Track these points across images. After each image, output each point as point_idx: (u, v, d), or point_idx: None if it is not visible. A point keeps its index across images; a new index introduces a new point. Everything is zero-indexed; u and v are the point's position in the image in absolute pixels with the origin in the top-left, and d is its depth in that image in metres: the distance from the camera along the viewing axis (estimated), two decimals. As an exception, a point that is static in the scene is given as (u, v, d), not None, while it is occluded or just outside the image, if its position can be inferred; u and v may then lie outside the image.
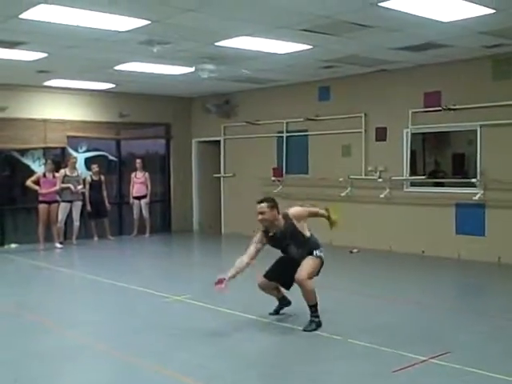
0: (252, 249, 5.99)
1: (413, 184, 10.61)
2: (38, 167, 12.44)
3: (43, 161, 12.45)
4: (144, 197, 13.28)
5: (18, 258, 10.70)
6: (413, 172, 10.59)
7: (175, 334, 5.78)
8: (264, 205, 5.85)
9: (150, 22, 7.15)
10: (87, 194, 12.49)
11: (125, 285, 8.07)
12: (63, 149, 12.93)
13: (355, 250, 10.71)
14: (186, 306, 6.94)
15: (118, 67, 10.16)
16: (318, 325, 5.82)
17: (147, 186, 13.26)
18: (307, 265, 5.89)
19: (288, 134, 12.51)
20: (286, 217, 5.91)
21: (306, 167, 12.16)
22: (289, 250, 6.03)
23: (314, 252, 5.98)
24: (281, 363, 4.97)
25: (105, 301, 7.38)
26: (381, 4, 6.48)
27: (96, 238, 12.73)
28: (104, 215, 12.85)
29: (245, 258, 5.95)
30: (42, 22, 7.00)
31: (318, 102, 11.91)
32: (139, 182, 13.31)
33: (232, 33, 7.82)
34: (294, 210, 6.03)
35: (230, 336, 5.76)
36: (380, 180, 10.79)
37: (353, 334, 5.56)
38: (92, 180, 12.64)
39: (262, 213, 5.84)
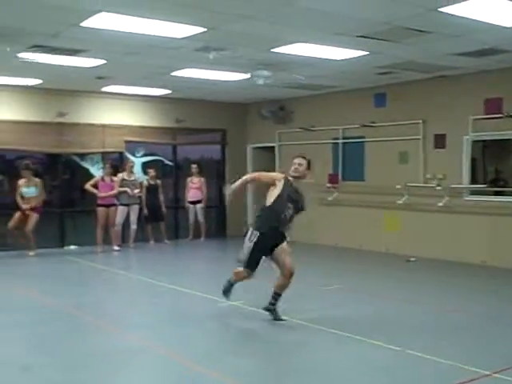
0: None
1: (473, 192, 10.32)
2: (97, 171, 12.71)
3: (102, 165, 12.71)
4: (199, 201, 13.39)
5: (77, 259, 10.94)
6: (473, 180, 10.31)
7: (232, 340, 5.80)
8: (305, 161, 6.51)
9: (206, 29, 7.20)
10: (144, 198, 12.67)
11: (180, 288, 8.14)
12: (121, 153, 13.17)
13: (412, 259, 10.50)
14: (240, 311, 6.94)
15: (174, 73, 10.28)
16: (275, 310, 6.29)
17: (203, 191, 13.36)
18: (289, 255, 6.40)
19: (344, 141, 12.39)
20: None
21: (362, 174, 12.02)
22: (286, 211, 6.27)
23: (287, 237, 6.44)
24: (335, 371, 4.90)
25: (160, 304, 7.45)
26: (441, 9, 6.33)
27: (152, 242, 12.90)
28: (160, 219, 13.01)
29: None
30: (102, 30, 7.15)
31: (374, 109, 11.75)
32: (195, 187, 13.43)
33: (288, 39, 7.80)
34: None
35: (279, 339, 5.72)
36: (439, 188, 10.54)
37: (410, 345, 5.43)
38: (149, 184, 12.82)
39: (300, 164, 6.44)
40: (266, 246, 6.26)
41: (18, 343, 5.66)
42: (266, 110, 13.66)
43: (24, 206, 10.92)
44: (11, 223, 10.91)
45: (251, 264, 6.30)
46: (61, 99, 12.21)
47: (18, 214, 10.94)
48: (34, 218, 11.05)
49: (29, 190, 11.05)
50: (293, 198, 6.29)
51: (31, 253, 11.13)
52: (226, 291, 6.57)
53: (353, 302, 7.44)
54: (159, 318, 6.67)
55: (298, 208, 6.36)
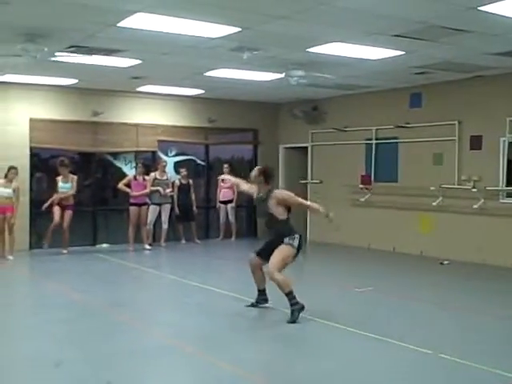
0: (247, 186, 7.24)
1: (509, 195, 10.13)
2: (130, 170, 12.80)
3: (134, 164, 12.80)
4: (230, 201, 13.40)
5: (109, 257, 11.04)
6: (509, 182, 10.12)
7: (261, 340, 5.79)
8: (256, 169, 6.96)
9: (241, 29, 7.19)
10: (175, 197, 12.73)
11: (210, 287, 8.16)
12: (154, 152, 13.25)
13: (446, 262, 10.35)
14: (269, 311, 6.92)
15: (208, 73, 10.30)
16: (300, 310, 6.29)
17: (234, 191, 13.35)
18: (275, 258, 6.39)
19: (377, 141, 12.28)
20: (271, 190, 6.71)
21: (395, 175, 11.89)
22: (264, 214, 6.68)
23: (285, 239, 6.44)
24: (366, 374, 4.83)
25: (191, 302, 7.47)
26: (480, 8, 6.22)
27: (183, 241, 12.95)
28: (192, 219, 13.05)
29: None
30: (138, 30, 7.19)
31: (409, 109, 11.62)
32: (226, 187, 13.43)
33: (323, 39, 7.75)
34: (278, 191, 6.95)
35: (310, 340, 5.68)
36: (474, 190, 10.37)
37: (443, 349, 5.35)
38: (180, 184, 12.87)
39: (253, 176, 6.87)
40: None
41: (50, 339, 5.73)
42: (298, 109, 13.61)
43: (55, 197, 11.06)
44: (56, 219, 11.06)
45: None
46: (96, 99, 12.34)
47: (57, 210, 11.09)
48: (68, 215, 11.18)
49: (65, 185, 11.19)
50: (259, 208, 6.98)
51: (64, 251, 11.27)
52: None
53: (384, 305, 7.37)
54: (189, 317, 6.70)
55: None
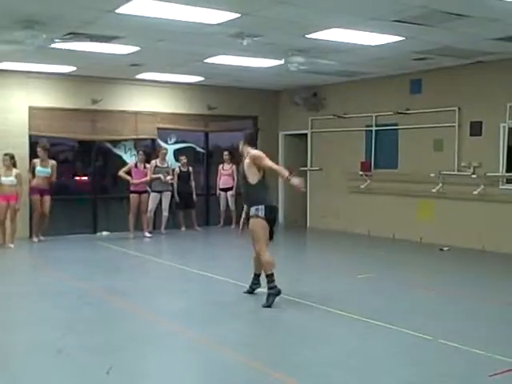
0: None
1: (509, 181, 10.12)
2: (130, 158, 12.79)
3: (134, 152, 12.78)
4: (230, 189, 13.39)
5: (110, 245, 11.05)
6: (509, 168, 10.11)
7: (262, 326, 5.81)
8: (240, 142, 6.74)
9: (240, 15, 7.15)
10: (175, 185, 12.73)
11: (211, 274, 8.18)
12: (153, 140, 13.23)
13: (446, 248, 10.37)
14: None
15: (207, 60, 10.26)
16: (276, 294, 6.25)
17: (234, 178, 13.34)
18: (251, 234, 6.38)
19: (377, 128, 12.26)
20: (247, 154, 6.49)
21: (395, 162, 11.87)
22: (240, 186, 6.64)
23: (252, 210, 6.30)
24: (367, 361, 4.85)
25: (191, 289, 7.49)
26: (481, -8, 6.19)
27: (184, 229, 12.97)
28: (192, 206, 13.06)
29: None
30: (137, 16, 7.15)
31: (409, 95, 11.59)
32: (226, 174, 13.43)
33: (323, 25, 7.71)
34: (254, 151, 6.54)
35: (312, 328, 5.70)
36: (474, 176, 10.37)
37: (443, 335, 5.37)
38: (180, 171, 12.87)
39: (237, 148, 6.79)
40: None
41: (52, 327, 5.74)
42: (298, 96, 13.57)
43: (35, 182, 11.08)
44: (37, 207, 11.09)
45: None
46: (94, 86, 12.30)
47: (36, 198, 11.14)
48: (47, 200, 11.18)
49: (44, 170, 11.17)
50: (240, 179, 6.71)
51: (42, 238, 11.28)
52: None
53: (384, 291, 7.38)
54: (190, 304, 6.72)
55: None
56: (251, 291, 6.89)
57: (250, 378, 4.48)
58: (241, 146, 6.70)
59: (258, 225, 6.29)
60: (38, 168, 11.14)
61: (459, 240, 10.57)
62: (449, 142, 10.89)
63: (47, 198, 11.22)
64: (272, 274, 6.27)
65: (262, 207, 6.26)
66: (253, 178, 6.37)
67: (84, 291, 7.28)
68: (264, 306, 6.27)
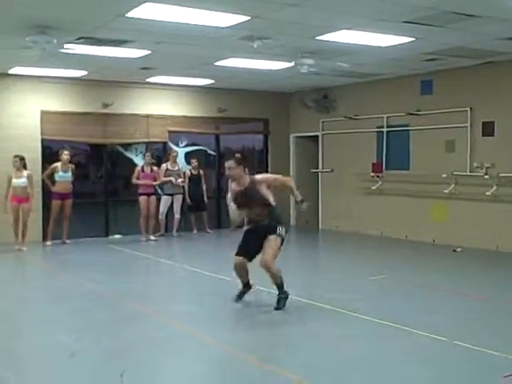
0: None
1: (522, 181, 10.07)
2: (141, 161, 12.81)
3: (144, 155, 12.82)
4: (242, 191, 13.36)
5: (122, 248, 11.09)
6: (522, 169, 10.06)
7: (276, 330, 5.80)
8: (231, 162, 6.27)
9: (250, 18, 7.16)
10: (187, 187, 12.75)
11: (223, 276, 8.17)
12: (165, 143, 13.27)
13: (459, 249, 10.31)
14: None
15: (218, 63, 10.28)
16: (286, 297, 6.36)
17: (245, 181, 13.32)
18: (270, 248, 6.24)
19: (388, 129, 12.22)
20: (252, 178, 6.31)
21: (407, 163, 11.83)
22: (251, 209, 6.32)
23: (278, 229, 6.30)
24: (382, 363, 4.84)
25: (203, 292, 7.49)
26: (492, -8, 6.17)
27: (195, 231, 12.99)
28: (203, 209, 13.07)
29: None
30: (147, 20, 7.18)
31: (420, 96, 11.55)
32: (237, 177, 13.40)
33: (333, 27, 7.70)
34: (259, 175, 6.48)
35: (326, 330, 5.69)
36: (486, 177, 10.32)
37: (458, 336, 5.34)
38: (191, 174, 12.90)
39: (229, 168, 6.29)
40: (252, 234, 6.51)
41: (65, 330, 5.76)
42: (309, 98, 13.57)
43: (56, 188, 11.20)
44: (55, 211, 11.21)
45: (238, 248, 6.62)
46: (105, 90, 12.37)
47: (56, 202, 11.24)
48: (69, 205, 11.27)
49: (64, 174, 11.23)
50: (248, 203, 6.37)
51: (67, 241, 11.34)
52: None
53: (398, 292, 7.36)
54: (203, 306, 6.73)
55: None
56: (242, 296, 6.73)
57: (265, 380, 4.48)
58: (233, 166, 6.26)
59: (279, 243, 6.35)
60: (60, 173, 11.20)
61: (472, 241, 10.51)
62: (461, 142, 10.84)
63: (69, 202, 11.30)
64: (283, 282, 6.41)
65: (283, 229, 6.40)
66: (271, 198, 6.38)
67: (97, 294, 7.32)
68: (276, 309, 6.30)
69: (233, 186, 6.43)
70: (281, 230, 6.34)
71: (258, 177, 6.40)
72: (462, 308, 6.64)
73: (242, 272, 6.60)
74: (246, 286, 6.74)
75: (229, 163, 6.28)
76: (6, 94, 11.47)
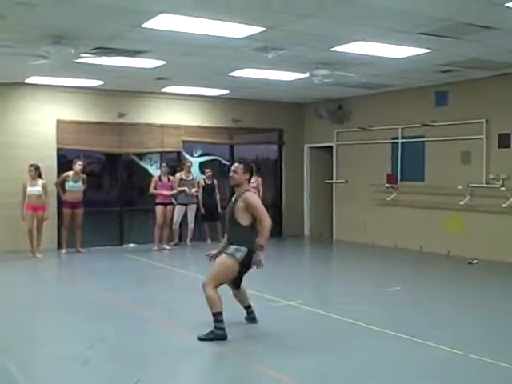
0: None
1: (538, 193, 9.97)
2: (155, 171, 12.87)
3: (159, 164, 12.85)
4: (256, 201, 13.34)
5: (136, 257, 11.12)
6: (538, 181, 9.97)
7: (289, 340, 5.77)
8: (241, 165, 5.88)
9: (265, 29, 7.18)
10: (201, 197, 12.77)
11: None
12: (179, 153, 13.32)
13: (474, 261, 10.22)
14: (298, 311, 6.90)
15: (232, 74, 10.31)
16: (219, 337, 5.52)
17: (259, 191, 13.32)
18: (214, 267, 5.72)
19: (403, 140, 12.18)
20: (244, 193, 5.80)
21: (422, 174, 11.77)
22: (226, 220, 5.90)
23: (231, 248, 5.67)
24: (396, 376, 4.80)
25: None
26: (507, 4, 6.13)
27: (209, 241, 12.97)
28: (217, 218, 13.06)
29: None
30: (163, 31, 7.22)
31: (435, 108, 11.50)
32: (252, 187, 13.32)
33: (348, 38, 7.70)
34: (250, 193, 5.85)
35: (341, 342, 5.66)
36: (503, 189, 10.23)
37: (474, 349, 5.29)
38: (205, 184, 12.91)
39: (235, 171, 5.88)
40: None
41: (79, 338, 5.78)
42: (323, 109, 13.57)
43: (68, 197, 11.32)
44: (67, 220, 11.30)
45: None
46: (121, 100, 12.45)
47: (67, 211, 11.35)
48: (79, 214, 11.38)
49: (75, 184, 11.32)
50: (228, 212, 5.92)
51: (81, 249, 11.46)
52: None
53: (412, 305, 7.30)
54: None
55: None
56: (252, 318, 6.28)
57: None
58: (239, 175, 5.86)
59: (230, 266, 5.68)
60: (70, 183, 11.28)
61: (488, 253, 10.41)
62: (476, 154, 10.77)
63: (79, 211, 11.37)
64: (219, 313, 5.59)
65: (243, 250, 5.66)
66: (246, 220, 5.75)
67: (111, 302, 7.34)
68: (198, 338, 5.60)
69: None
70: (235, 251, 5.66)
71: (248, 194, 5.81)
72: (477, 321, 6.57)
73: (238, 299, 6.21)
74: (248, 310, 6.27)
75: (236, 165, 5.90)
76: (22, 103, 11.59)
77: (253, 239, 5.72)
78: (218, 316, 5.59)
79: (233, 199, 5.94)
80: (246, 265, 5.73)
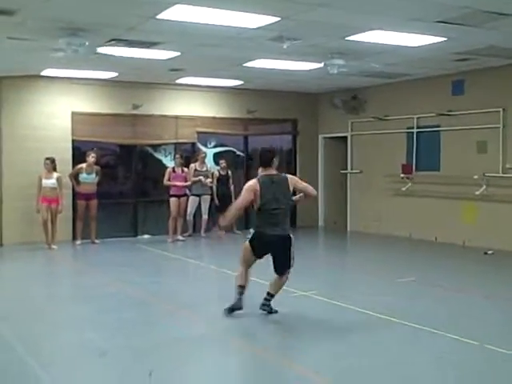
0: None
1: (555, 183, 9.88)
2: (170, 162, 12.88)
3: (173, 156, 12.87)
4: (270, 192, 13.33)
5: (151, 248, 11.16)
6: (556, 170, 9.87)
7: (303, 329, 5.77)
8: (270, 151, 6.41)
9: (280, 19, 7.14)
10: (215, 188, 12.78)
11: (252, 278, 8.15)
12: (193, 144, 13.33)
13: (490, 252, 10.15)
14: (312, 301, 6.91)
15: (247, 64, 10.28)
16: (235, 306, 6.16)
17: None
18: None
19: (418, 130, 12.10)
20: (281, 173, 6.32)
21: (437, 164, 11.69)
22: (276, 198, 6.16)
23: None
24: (413, 366, 4.79)
25: (232, 293, 7.48)
26: (526, -10, 6.06)
27: (223, 232, 12.99)
28: (231, 209, 13.05)
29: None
30: (177, 22, 7.21)
31: (451, 97, 11.40)
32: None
33: (363, 27, 7.64)
34: (291, 176, 6.45)
35: (356, 333, 5.66)
36: (519, 178, 10.16)
37: (489, 340, 5.27)
38: (219, 175, 12.91)
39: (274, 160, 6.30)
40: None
41: (97, 329, 5.84)
42: (338, 99, 13.50)
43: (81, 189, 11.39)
44: (81, 212, 11.40)
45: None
46: (135, 91, 12.46)
47: (81, 203, 11.44)
48: (94, 205, 11.45)
49: (89, 176, 11.39)
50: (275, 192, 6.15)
51: (97, 241, 11.54)
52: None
53: (427, 295, 7.28)
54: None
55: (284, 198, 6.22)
56: (264, 305, 6.39)
57: (293, 382, 4.47)
58: (274, 159, 6.31)
59: (244, 246, 6.29)
60: (84, 175, 11.34)
61: (504, 243, 10.34)
62: (493, 143, 10.68)
63: (93, 203, 11.43)
64: (238, 286, 6.22)
65: (251, 231, 6.34)
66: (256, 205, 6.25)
67: (126, 293, 7.38)
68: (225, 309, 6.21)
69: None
70: (249, 233, 6.40)
71: (290, 176, 6.41)
72: (493, 311, 6.53)
73: (246, 271, 6.39)
74: (268, 296, 6.38)
75: (271, 155, 6.31)
76: (37, 96, 11.63)
77: (258, 222, 6.26)
78: (238, 288, 6.21)
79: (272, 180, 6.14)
80: (255, 246, 6.16)
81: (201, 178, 12.30)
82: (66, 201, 11.33)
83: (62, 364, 4.97)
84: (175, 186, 11.98)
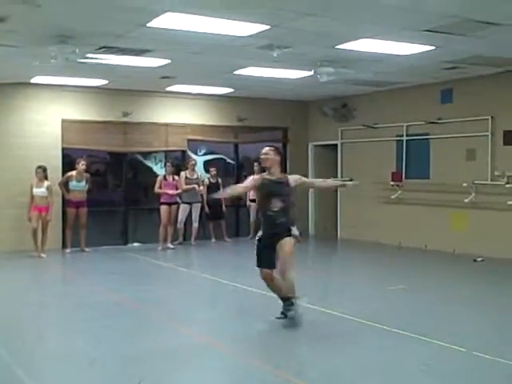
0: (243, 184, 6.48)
1: (544, 191, 9.95)
2: (160, 169, 12.88)
3: (164, 163, 12.86)
4: (260, 200, 13.34)
5: (140, 256, 11.13)
6: (544, 178, 9.94)
7: (293, 337, 5.76)
8: (269, 149, 6.26)
9: (270, 27, 7.18)
10: (205, 196, 12.76)
11: (242, 286, 8.16)
12: (183, 152, 13.32)
13: (480, 259, 10.20)
14: (302, 309, 6.87)
15: (237, 72, 10.31)
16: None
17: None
18: (289, 254, 5.98)
19: (408, 138, 12.16)
20: (284, 173, 6.38)
21: (427, 172, 11.75)
22: (272, 200, 6.08)
23: (292, 230, 6.13)
24: (400, 373, 4.79)
25: (221, 300, 7.50)
26: (513, 0, 6.12)
27: (214, 240, 12.99)
28: (221, 217, 13.07)
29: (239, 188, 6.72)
30: (168, 30, 7.23)
31: (440, 105, 11.48)
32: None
33: (353, 35, 7.70)
34: (292, 175, 6.48)
35: (344, 339, 5.65)
36: (508, 186, 10.20)
37: (477, 347, 5.28)
38: (210, 182, 12.91)
39: (266, 154, 6.22)
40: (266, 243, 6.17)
41: (85, 337, 5.79)
42: (328, 107, 13.55)
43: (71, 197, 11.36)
44: (71, 220, 11.34)
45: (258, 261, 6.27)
46: (125, 99, 12.45)
47: (72, 210, 11.39)
48: (84, 213, 11.39)
49: (79, 184, 11.35)
50: (275, 192, 6.11)
51: (87, 249, 11.47)
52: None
53: (417, 303, 7.30)
54: (222, 316, 6.71)
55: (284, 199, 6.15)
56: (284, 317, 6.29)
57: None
58: (272, 153, 6.22)
59: (294, 246, 6.13)
60: (74, 183, 11.30)
61: (494, 251, 10.38)
62: (481, 151, 10.75)
63: (83, 211, 11.39)
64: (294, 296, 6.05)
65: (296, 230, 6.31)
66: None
67: (116, 302, 7.34)
68: (290, 316, 6.05)
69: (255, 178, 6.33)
70: (294, 230, 6.23)
71: (291, 175, 6.44)
72: (481, 319, 6.55)
73: (273, 285, 6.22)
74: (286, 301, 6.19)
75: (267, 149, 6.22)
76: (27, 103, 11.61)
77: (262, 225, 6.28)
78: (293, 299, 6.02)
79: (271, 180, 6.12)
80: (261, 244, 6.18)
81: (195, 186, 12.29)
82: (56, 209, 11.29)
83: (50, 373, 4.93)
84: (166, 194, 11.97)
